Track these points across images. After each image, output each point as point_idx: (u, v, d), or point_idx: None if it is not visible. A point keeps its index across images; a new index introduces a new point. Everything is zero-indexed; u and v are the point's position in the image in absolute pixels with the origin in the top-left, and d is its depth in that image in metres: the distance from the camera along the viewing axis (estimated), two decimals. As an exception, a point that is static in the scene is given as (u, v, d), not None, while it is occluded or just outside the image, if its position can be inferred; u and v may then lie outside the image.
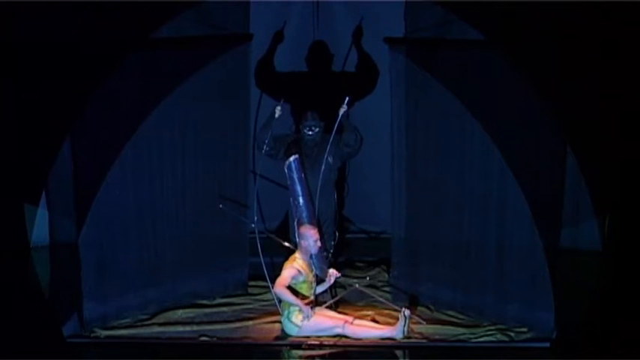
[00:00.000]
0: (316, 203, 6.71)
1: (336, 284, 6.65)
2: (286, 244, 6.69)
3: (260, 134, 6.88)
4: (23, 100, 5.69)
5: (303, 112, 7.06)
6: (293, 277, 6.28)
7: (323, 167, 6.68)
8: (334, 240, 6.96)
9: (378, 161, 7.62)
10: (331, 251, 6.88)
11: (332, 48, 8.22)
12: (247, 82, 7.22)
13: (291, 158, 6.57)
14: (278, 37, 8.01)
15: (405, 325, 6.17)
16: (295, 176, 6.54)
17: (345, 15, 8.23)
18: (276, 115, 6.68)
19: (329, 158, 6.84)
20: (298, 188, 6.55)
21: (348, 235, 8.19)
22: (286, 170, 6.58)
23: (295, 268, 6.30)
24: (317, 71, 8.17)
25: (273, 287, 6.30)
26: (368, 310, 6.77)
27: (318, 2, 8.17)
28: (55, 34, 5.71)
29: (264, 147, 6.76)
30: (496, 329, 6.40)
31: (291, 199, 6.59)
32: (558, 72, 5.83)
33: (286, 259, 6.47)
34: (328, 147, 6.72)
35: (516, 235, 6.42)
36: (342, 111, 6.61)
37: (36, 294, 5.91)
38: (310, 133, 6.92)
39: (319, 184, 6.78)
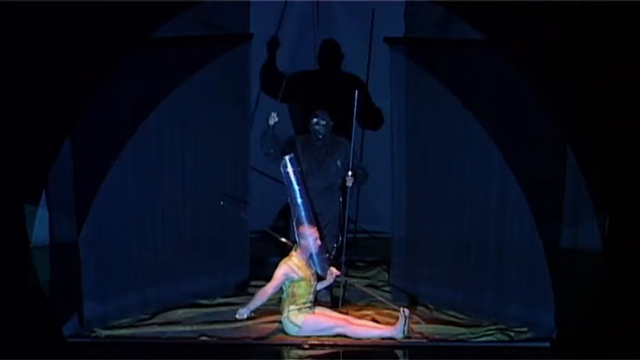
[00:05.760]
0: (317, 204, 6.70)
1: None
2: (284, 240, 6.68)
3: (263, 142, 6.84)
4: (23, 100, 5.69)
5: (312, 110, 7.00)
6: (286, 275, 6.29)
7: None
8: (337, 242, 6.94)
9: (378, 161, 7.62)
10: (333, 253, 6.87)
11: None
12: (247, 82, 7.22)
13: (287, 157, 6.54)
14: (274, 43, 8.01)
15: (405, 325, 6.18)
16: (292, 175, 6.52)
17: (345, 15, 8.23)
18: (271, 123, 6.68)
19: (337, 162, 6.85)
20: (295, 187, 6.53)
21: (349, 235, 8.18)
22: (282, 169, 6.56)
23: (289, 266, 6.31)
24: (324, 70, 8.16)
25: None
26: (368, 310, 6.78)
27: (318, 2, 8.17)
28: (55, 33, 5.71)
29: (270, 152, 6.77)
30: (496, 329, 6.41)
31: (289, 198, 6.58)
32: (558, 71, 5.82)
33: (282, 257, 6.48)
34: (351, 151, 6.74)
35: (516, 235, 6.43)
36: (355, 98, 6.59)
37: (36, 294, 5.90)
38: (318, 126, 6.85)
39: (323, 186, 6.79)
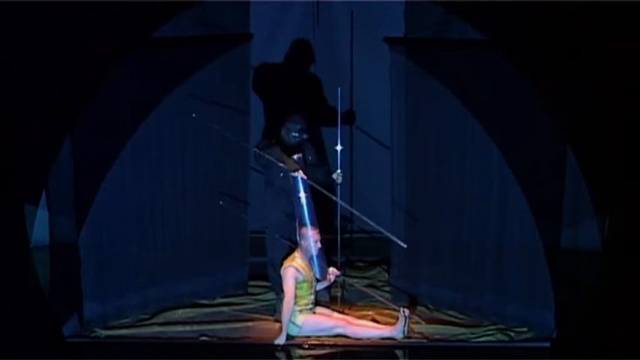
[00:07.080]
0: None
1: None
2: (284, 240, 6.68)
3: (260, 145, 6.77)
4: (23, 99, 5.69)
5: (290, 114, 6.78)
6: (295, 278, 6.29)
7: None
8: None
9: (378, 161, 7.62)
10: None
11: (330, 47, 8.23)
12: (247, 82, 7.23)
13: (295, 157, 6.56)
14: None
15: (405, 325, 6.18)
16: (300, 180, 6.52)
17: (345, 15, 8.23)
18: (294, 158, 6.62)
19: (309, 158, 6.81)
20: (302, 191, 6.53)
21: (345, 235, 8.18)
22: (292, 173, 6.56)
23: (294, 267, 6.31)
24: (300, 71, 8.17)
25: (283, 300, 6.32)
26: (368, 310, 6.78)
27: (318, 2, 8.18)
28: (55, 33, 5.71)
29: (256, 152, 6.67)
30: (496, 329, 6.41)
31: (294, 199, 6.58)
32: (558, 71, 5.83)
33: (285, 257, 6.48)
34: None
35: (516, 235, 6.43)
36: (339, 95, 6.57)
37: (36, 294, 5.91)
38: (297, 136, 6.75)
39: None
